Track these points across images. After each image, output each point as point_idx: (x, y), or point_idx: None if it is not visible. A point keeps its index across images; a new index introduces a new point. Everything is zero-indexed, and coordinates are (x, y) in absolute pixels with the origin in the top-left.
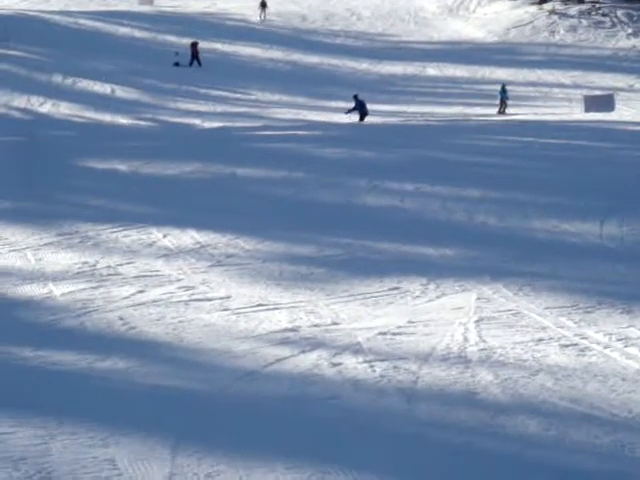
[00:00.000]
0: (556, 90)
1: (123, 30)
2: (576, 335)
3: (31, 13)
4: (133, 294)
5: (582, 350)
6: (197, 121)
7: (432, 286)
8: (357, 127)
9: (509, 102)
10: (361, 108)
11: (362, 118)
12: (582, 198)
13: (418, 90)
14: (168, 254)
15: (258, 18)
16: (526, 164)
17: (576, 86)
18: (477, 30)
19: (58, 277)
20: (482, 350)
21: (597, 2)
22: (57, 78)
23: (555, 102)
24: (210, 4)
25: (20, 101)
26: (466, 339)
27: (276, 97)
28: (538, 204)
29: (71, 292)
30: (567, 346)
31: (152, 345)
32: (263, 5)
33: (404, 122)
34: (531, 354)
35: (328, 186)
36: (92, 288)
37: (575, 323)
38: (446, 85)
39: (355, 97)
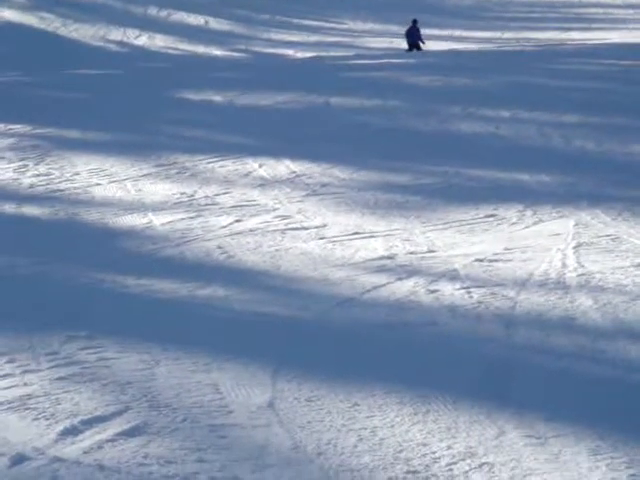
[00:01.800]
0: None
1: None
2: None
3: None
4: (231, 223)
5: None
6: (290, 51)
7: (529, 213)
8: (452, 54)
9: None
10: (412, 36)
11: (415, 47)
12: None
13: (513, 15)
14: (264, 184)
15: None
16: (625, 88)
17: None
18: None
19: (157, 207)
20: (581, 275)
21: None
22: (152, 10)
23: None
24: None
25: (116, 34)
26: (564, 265)
27: (369, 26)
28: (637, 128)
29: (170, 222)
30: None
31: (250, 273)
32: None
33: (499, 48)
34: (631, 279)
35: (422, 114)
36: (190, 218)
37: None
38: (542, 9)
39: (414, 22)
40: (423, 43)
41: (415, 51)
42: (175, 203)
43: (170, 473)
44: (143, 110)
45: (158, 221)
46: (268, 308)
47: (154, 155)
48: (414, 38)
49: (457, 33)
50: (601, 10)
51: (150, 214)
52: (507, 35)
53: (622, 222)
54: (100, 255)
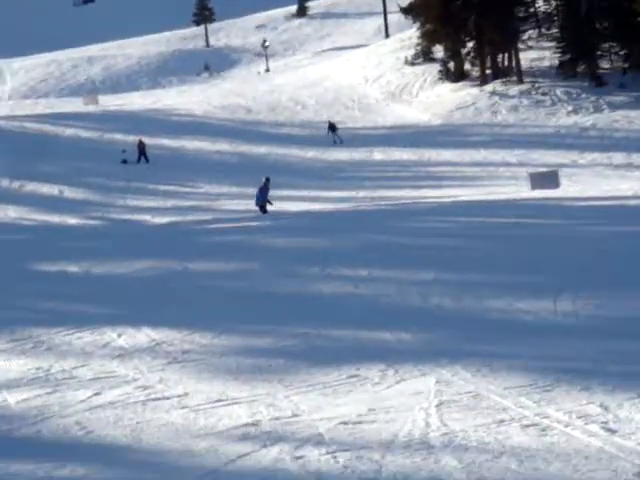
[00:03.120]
0: (502, 169)
1: (69, 131)
2: (537, 415)
3: None
4: (89, 397)
5: (543, 430)
6: (147, 217)
7: (391, 372)
8: (308, 215)
9: (455, 183)
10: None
11: (261, 208)
12: (535, 275)
13: (366, 175)
14: (123, 354)
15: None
16: (478, 244)
17: (521, 164)
18: (421, 113)
19: (12, 385)
20: (444, 435)
21: (536, 82)
22: (4, 183)
23: (502, 181)
24: (155, 100)
25: None
26: (428, 424)
27: (225, 189)
28: (492, 283)
29: (26, 399)
30: (528, 426)
31: (111, 449)
32: (332, 128)
33: (354, 208)
34: (494, 436)
35: (281, 276)
36: (47, 394)
37: (535, 402)
38: (394, 169)
39: (267, 180)
40: (270, 204)
41: (262, 213)
42: (31, 379)
43: None
44: None
45: (13, 399)
46: None
47: (8, 330)
48: (263, 198)
49: (312, 194)
50: (450, 168)
51: (4, 392)
52: (362, 194)
53: (482, 378)
54: None
